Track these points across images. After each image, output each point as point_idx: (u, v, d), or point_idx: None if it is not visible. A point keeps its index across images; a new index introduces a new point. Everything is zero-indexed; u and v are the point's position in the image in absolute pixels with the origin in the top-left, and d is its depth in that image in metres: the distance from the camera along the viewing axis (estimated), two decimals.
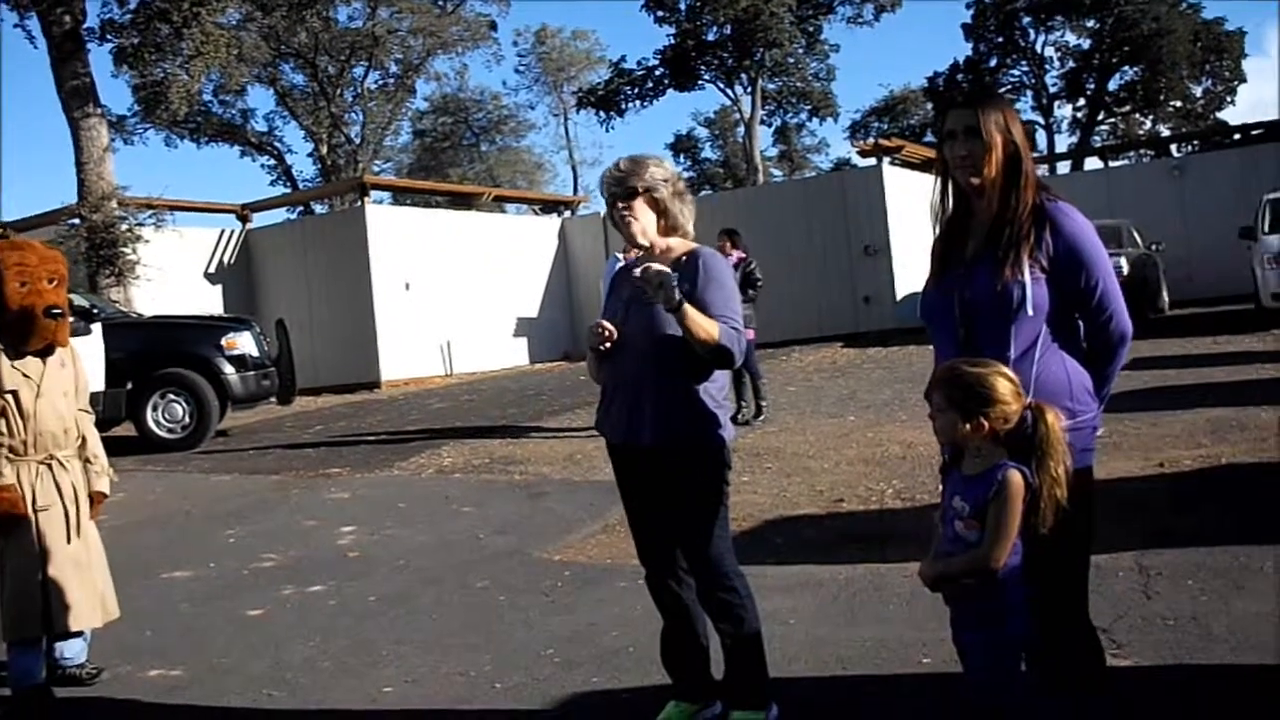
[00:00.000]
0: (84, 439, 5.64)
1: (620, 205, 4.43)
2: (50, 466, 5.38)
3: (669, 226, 4.49)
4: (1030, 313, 3.44)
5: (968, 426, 3.34)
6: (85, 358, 5.86)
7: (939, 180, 3.76)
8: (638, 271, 4.17)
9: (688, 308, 4.14)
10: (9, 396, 5.29)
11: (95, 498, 5.63)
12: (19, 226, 21.79)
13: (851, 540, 7.59)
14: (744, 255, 13.24)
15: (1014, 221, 3.50)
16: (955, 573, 3.37)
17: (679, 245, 4.48)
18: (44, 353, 5.44)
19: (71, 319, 5.79)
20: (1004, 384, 3.33)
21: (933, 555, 3.47)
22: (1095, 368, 3.59)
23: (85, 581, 5.42)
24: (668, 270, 4.13)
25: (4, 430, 5.28)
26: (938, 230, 3.81)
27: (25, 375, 5.35)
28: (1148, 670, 4.78)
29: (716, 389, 4.38)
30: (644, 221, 4.45)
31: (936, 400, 3.43)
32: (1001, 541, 3.28)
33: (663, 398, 4.28)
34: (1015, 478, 3.28)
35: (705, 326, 4.16)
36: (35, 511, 5.28)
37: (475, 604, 6.85)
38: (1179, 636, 5.13)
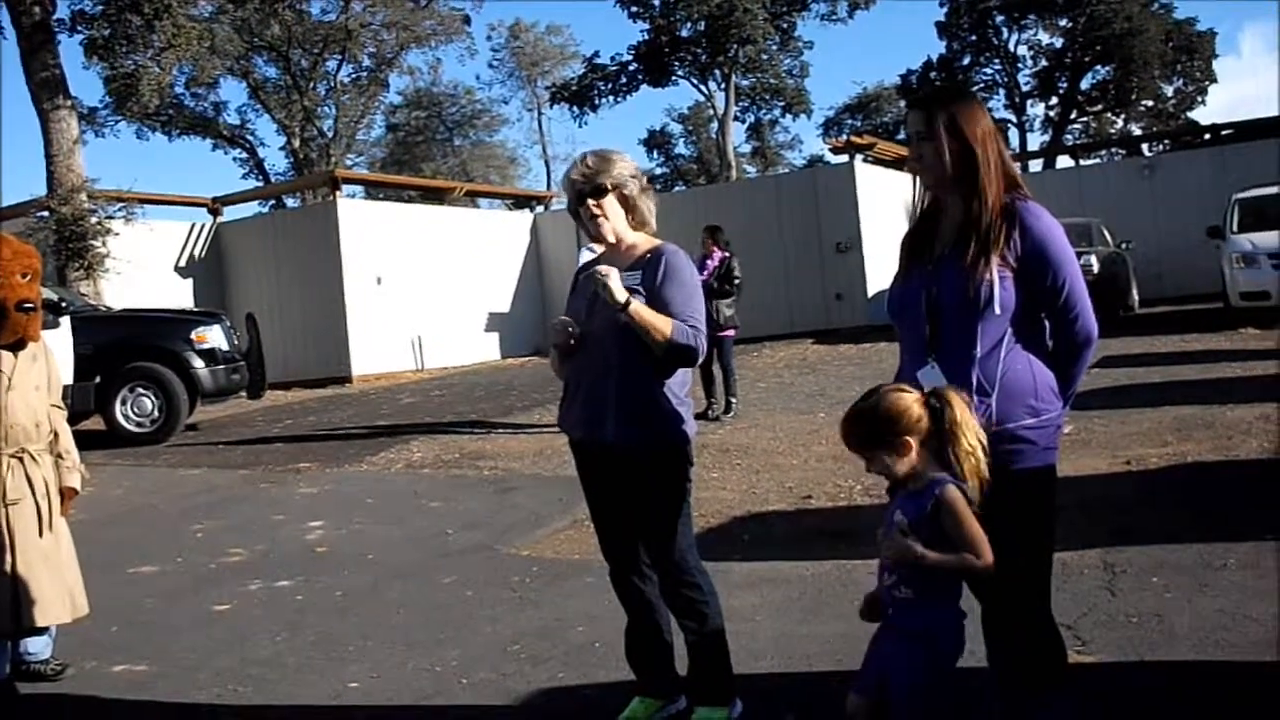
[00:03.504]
0: (56, 434, 5.60)
1: (591, 203, 4.43)
2: (22, 460, 5.33)
3: (638, 222, 4.50)
4: (997, 311, 3.44)
5: (898, 454, 3.35)
6: (54, 351, 5.83)
7: (914, 178, 3.77)
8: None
9: (635, 307, 4.15)
10: None
11: (66, 493, 5.58)
12: None
13: (819, 536, 7.61)
14: (726, 254, 13.27)
15: (979, 221, 3.51)
16: (939, 565, 3.36)
17: (643, 242, 4.49)
18: (15, 346, 5.40)
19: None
20: (895, 397, 3.36)
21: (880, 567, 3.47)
22: (1060, 368, 3.59)
23: (55, 577, 5.37)
24: (613, 271, 4.16)
25: None
26: (909, 225, 3.83)
27: None
28: (1111, 667, 4.81)
29: (678, 386, 4.37)
30: (614, 219, 4.46)
31: (859, 453, 3.44)
32: (977, 544, 3.28)
33: (624, 395, 4.28)
34: (951, 491, 3.29)
35: (656, 325, 4.17)
36: (6, 505, 5.24)
37: (443, 599, 6.85)
38: (1142, 633, 5.17)
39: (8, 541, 5.25)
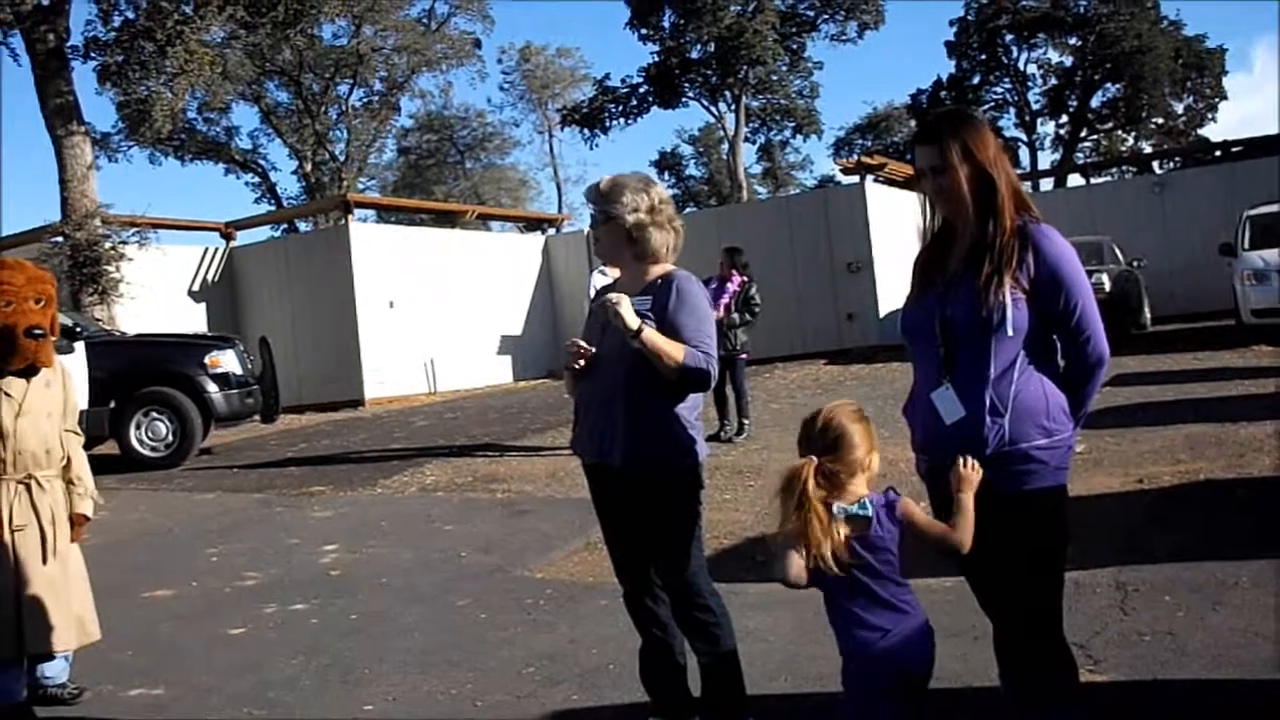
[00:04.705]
0: (69, 460, 5.62)
1: (592, 230, 4.48)
2: (29, 487, 5.35)
3: (637, 254, 4.49)
4: (1010, 332, 3.47)
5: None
6: (72, 378, 5.85)
7: (925, 202, 3.79)
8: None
9: (647, 334, 4.18)
10: None
11: (77, 519, 5.59)
12: (2, 244, 21.74)
13: None
14: (745, 279, 13.25)
15: (993, 242, 3.53)
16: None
17: (656, 268, 4.50)
18: (27, 372, 5.42)
19: (54, 338, 5.77)
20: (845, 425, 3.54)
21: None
22: (1072, 389, 3.60)
23: (60, 604, 5.37)
24: (624, 299, 4.18)
25: None
26: (921, 248, 3.85)
27: (7, 394, 5.33)
28: (1124, 686, 4.81)
29: (689, 409, 4.39)
30: (606, 248, 4.50)
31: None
32: (956, 526, 3.45)
33: (634, 419, 4.31)
34: (896, 501, 3.48)
35: (668, 351, 4.20)
36: (11, 532, 5.26)
37: (457, 622, 6.87)
38: (1155, 652, 5.17)
39: (12, 569, 5.28)
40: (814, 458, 3.45)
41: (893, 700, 3.46)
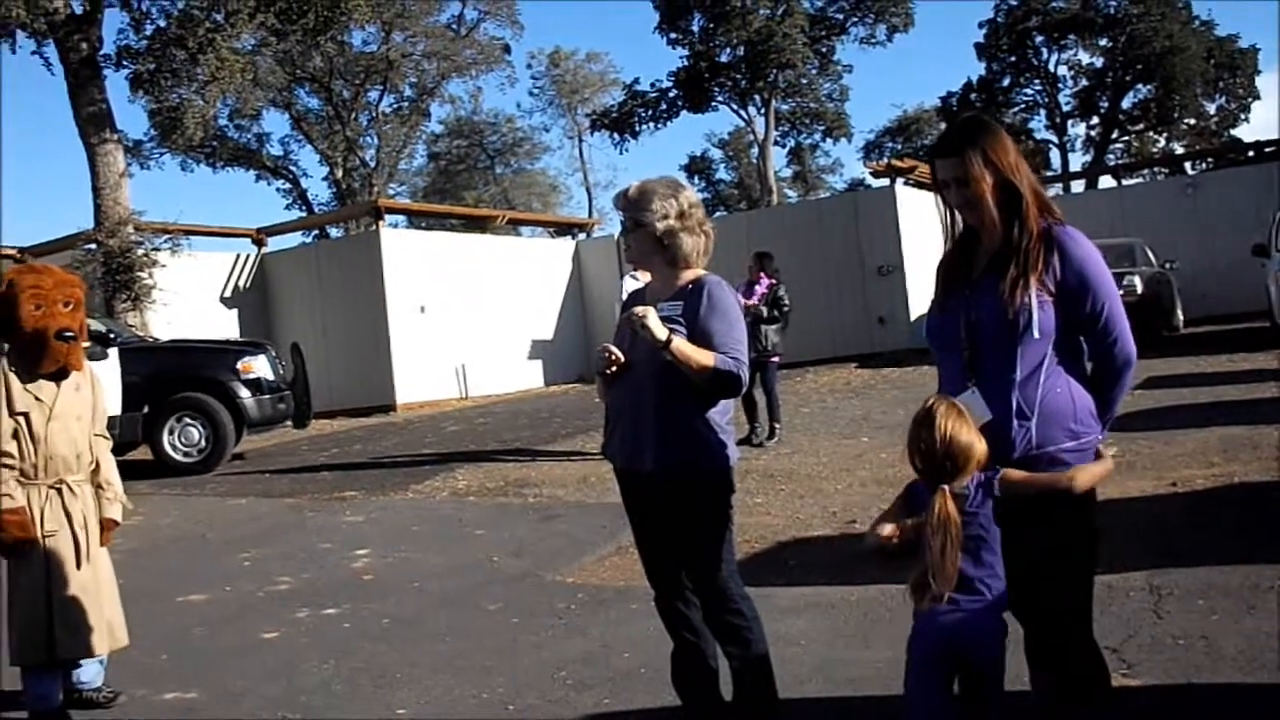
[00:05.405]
0: (97, 464, 5.65)
1: (622, 237, 4.48)
2: (60, 491, 5.39)
3: (668, 260, 4.48)
4: (1036, 335, 3.47)
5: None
6: (101, 381, 5.87)
7: (945, 209, 3.79)
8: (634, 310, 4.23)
9: (676, 344, 4.18)
10: (20, 418, 5.31)
11: (106, 524, 5.62)
12: (36, 251, 21.86)
13: (864, 561, 7.58)
14: (774, 280, 13.31)
15: (1018, 246, 3.53)
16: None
17: (687, 272, 4.49)
18: (58, 376, 5.45)
19: (88, 344, 5.80)
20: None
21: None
22: (1100, 391, 3.60)
23: (92, 609, 5.41)
24: (650, 311, 4.18)
25: (14, 453, 5.30)
26: (943, 253, 3.85)
27: (37, 398, 5.36)
28: (1157, 689, 4.79)
29: (719, 414, 4.39)
30: (637, 254, 4.50)
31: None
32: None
33: (665, 424, 4.31)
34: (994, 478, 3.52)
35: (698, 359, 4.19)
36: (43, 536, 5.29)
37: (488, 626, 6.88)
38: (1189, 656, 5.14)
39: (44, 574, 5.31)
40: (945, 489, 3.45)
41: (941, 676, 3.50)
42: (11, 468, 5.29)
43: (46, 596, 5.30)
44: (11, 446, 5.29)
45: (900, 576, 3.47)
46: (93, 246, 21.27)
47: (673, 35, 48.79)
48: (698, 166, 64.06)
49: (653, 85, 50.91)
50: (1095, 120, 52.58)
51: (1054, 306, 3.50)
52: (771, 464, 11.60)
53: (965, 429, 3.45)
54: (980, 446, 3.45)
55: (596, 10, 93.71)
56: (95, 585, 5.47)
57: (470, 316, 24.26)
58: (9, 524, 5.22)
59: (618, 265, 25.36)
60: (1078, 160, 52.91)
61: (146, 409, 14.68)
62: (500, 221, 30.15)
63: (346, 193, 47.25)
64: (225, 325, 23.53)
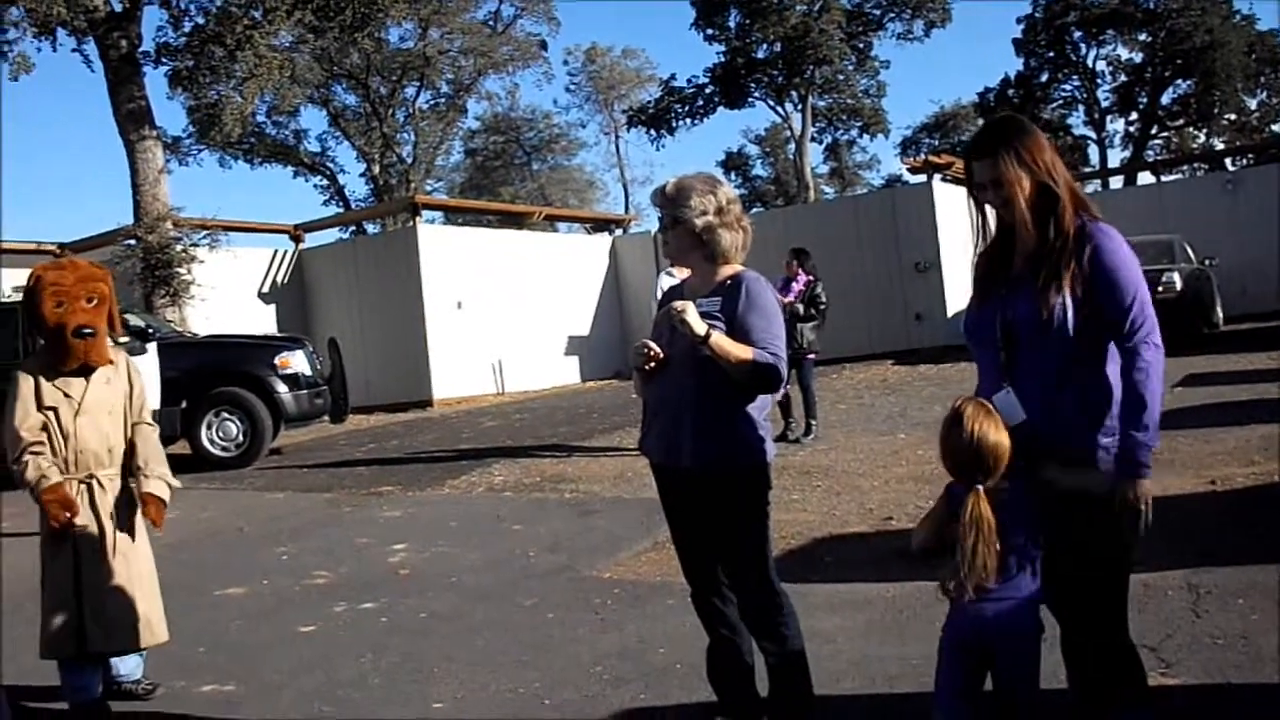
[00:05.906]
0: (134, 450, 5.59)
1: (660, 234, 4.48)
2: (90, 486, 5.40)
3: (707, 256, 4.46)
4: (1070, 333, 3.46)
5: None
6: (140, 372, 5.87)
7: (976, 210, 3.78)
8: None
9: (715, 339, 4.16)
10: (48, 413, 5.33)
11: (147, 499, 5.50)
12: (76, 247, 22.03)
13: (900, 558, 7.56)
14: (811, 278, 13.31)
15: (1054, 244, 3.51)
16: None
17: (726, 268, 4.48)
18: (86, 370, 5.45)
19: (126, 339, 5.81)
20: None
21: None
22: (1133, 388, 3.55)
23: (124, 603, 5.41)
24: (689, 306, 4.17)
25: (45, 443, 5.32)
26: (978, 251, 3.83)
27: (66, 394, 5.37)
28: (1196, 689, 4.76)
29: (757, 409, 4.37)
30: (675, 251, 4.49)
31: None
32: None
33: (702, 419, 4.30)
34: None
35: (737, 354, 4.18)
36: (73, 531, 5.31)
37: (525, 621, 6.89)
38: (1228, 655, 5.10)
39: (74, 567, 5.33)
40: (979, 488, 3.45)
41: (969, 664, 3.52)
42: (44, 454, 5.30)
43: (76, 590, 5.31)
44: (43, 435, 5.32)
45: (935, 574, 3.48)
46: (132, 242, 21.44)
47: (709, 31, 48.81)
48: (734, 163, 64.03)
49: (689, 81, 51.04)
50: (1134, 116, 52.24)
51: (1087, 304, 3.48)
52: (808, 460, 11.58)
53: (994, 429, 3.45)
54: (1008, 445, 3.45)
55: (633, 6, 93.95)
56: (128, 579, 5.46)
57: (507, 312, 24.33)
58: (49, 504, 5.23)
59: (654, 261, 25.41)
60: (1116, 156, 52.70)
61: (185, 404, 14.77)
62: (537, 217, 30.18)
63: (384, 189, 47.41)
64: (263, 321, 23.69)
